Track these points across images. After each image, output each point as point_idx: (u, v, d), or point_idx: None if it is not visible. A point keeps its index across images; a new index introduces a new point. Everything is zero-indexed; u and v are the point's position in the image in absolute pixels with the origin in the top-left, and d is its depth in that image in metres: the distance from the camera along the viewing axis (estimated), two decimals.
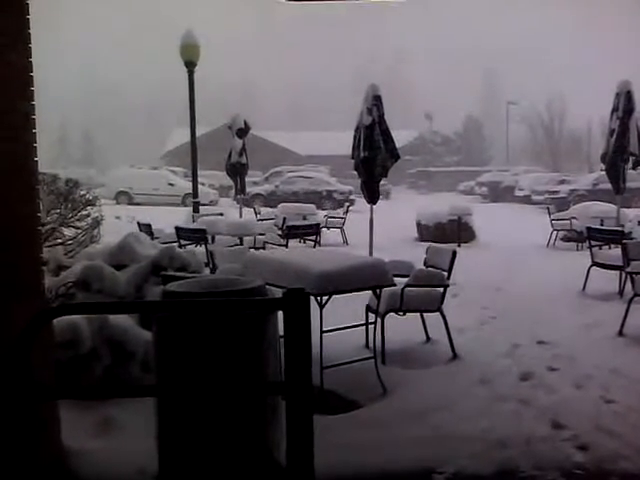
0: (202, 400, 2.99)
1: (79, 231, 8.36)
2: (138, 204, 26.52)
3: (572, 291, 8.45)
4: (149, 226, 10.43)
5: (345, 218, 15.31)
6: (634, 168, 11.13)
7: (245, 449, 3.07)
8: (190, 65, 12.80)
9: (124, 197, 28.58)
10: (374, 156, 9.48)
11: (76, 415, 3.73)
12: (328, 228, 15.14)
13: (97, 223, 8.76)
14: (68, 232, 8.28)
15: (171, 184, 29.23)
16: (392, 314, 5.54)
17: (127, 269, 5.39)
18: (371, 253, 9.53)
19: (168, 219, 13.03)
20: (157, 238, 9.75)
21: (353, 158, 9.95)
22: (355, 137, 9.90)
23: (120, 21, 74.25)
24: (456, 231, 14.06)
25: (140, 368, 4.40)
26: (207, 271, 6.54)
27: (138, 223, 10.84)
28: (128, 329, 4.48)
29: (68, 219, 8.18)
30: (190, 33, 12.87)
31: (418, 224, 15.03)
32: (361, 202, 13.30)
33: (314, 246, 11.78)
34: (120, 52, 72.93)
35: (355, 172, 10.09)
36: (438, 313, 5.71)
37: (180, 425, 3.09)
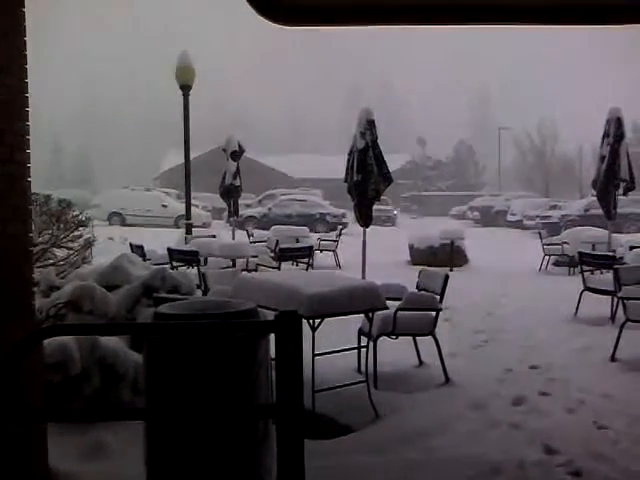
0: (192, 424, 2.96)
1: (71, 252, 8.34)
2: (131, 225, 26.48)
3: (564, 316, 8.46)
4: (141, 247, 10.41)
5: (338, 241, 15.33)
6: (625, 194, 11.22)
7: (236, 474, 3.03)
8: (185, 88, 12.87)
9: (117, 218, 28.55)
10: (367, 179, 9.54)
11: (65, 438, 3.68)
12: (321, 251, 15.15)
13: (89, 244, 8.74)
14: (60, 253, 8.25)
15: (164, 206, 29.25)
16: (384, 337, 5.53)
17: (119, 290, 5.36)
18: (364, 276, 9.53)
19: (161, 240, 13.02)
20: (149, 259, 9.72)
21: (346, 181, 10.00)
22: (348, 160, 9.97)
23: (117, 42, 74.84)
24: (448, 255, 14.10)
25: (131, 391, 4.36)
26: (199, 293, 6.52)
27: (130, 244, 10.82)
28: (119, 351, 4.44)
29: (60, 240, 8.16)
30: (185, 56, 12.96)
31: (411, 247, 15.06)
32: (354, 225, 13.32)
33: (307, 269, 11.79)
34: (115, 73, 73.42)
35: (349, 195, 10.13)
36: (431, 337, 5.70)
37: (170, 449, 3.05)
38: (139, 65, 72.86)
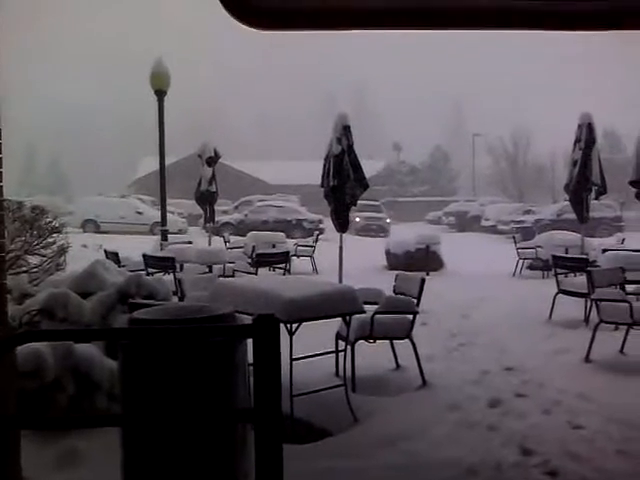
0: (169, 430, 2.93)
1: (44, 259, 8.21)
2: (106, 232, 26.18)
3: (539, 318, 8.54)
4: (116, 254, 10.29)
5: (315, 247, 15.33)
6: (597, 198, 11.38)
7: (214, 479, 3.01)
8: (160, 94, 12.78)
9: (91, 225, 28.21)
10: (343, 184, 9.56)
11: (39, 447, 3.62)
12: (298, 257, 15.13)
13: (63, 251, 8.61)
14: (33, 260, 8.12)
15: (139, 212, 28.99)
16: (362, 341, 5.54)
17: (93, 297, 5.29)
18: (341, 281, 9.53)
19: (136, 247, 12.87)
20: (124, 266, 9.61)
21: (323, 187, 10.01)
22: (325, 166, 9.97)
23: (90, 48, 74.24)
24: (425, 260, 14.17)
25: (107, 399, 4.30)
26: (175, 299, 6.46)
27: (105, 251, 10.69)
28: (94, 359, 4.39)
29: (33, 247, 8.03)
30: (160, 62, 12.87)
31: (387, 252, 15.12)
32: (332, 231, 13.32)
33: (284, 274, 11.77)
34: (89, 79, 72.75)
35: (325, 201, 10.14)
36: (408, 340, 5.72)
37: (146, 456, 3.01)
38: (113, 71, 72.25)
